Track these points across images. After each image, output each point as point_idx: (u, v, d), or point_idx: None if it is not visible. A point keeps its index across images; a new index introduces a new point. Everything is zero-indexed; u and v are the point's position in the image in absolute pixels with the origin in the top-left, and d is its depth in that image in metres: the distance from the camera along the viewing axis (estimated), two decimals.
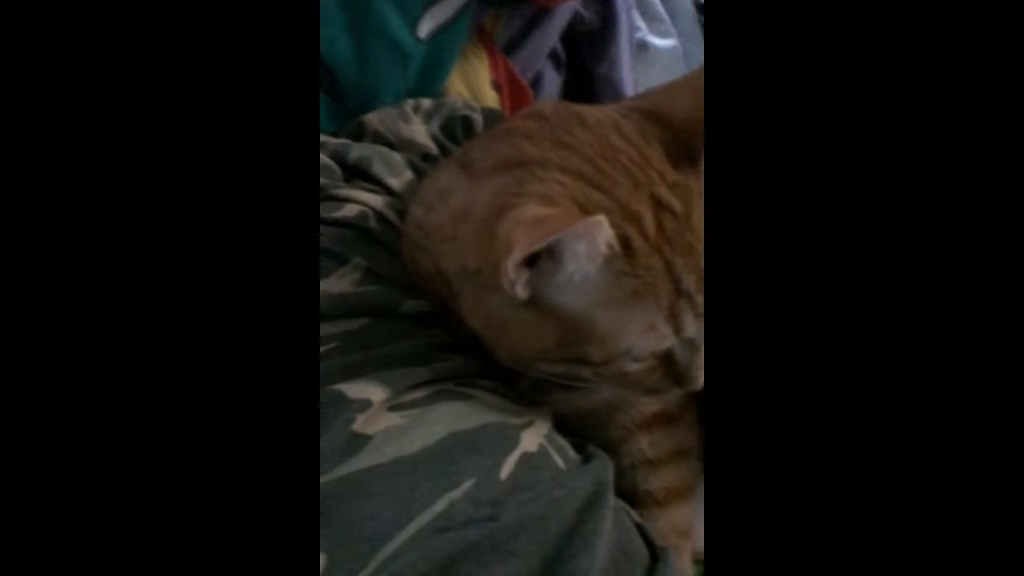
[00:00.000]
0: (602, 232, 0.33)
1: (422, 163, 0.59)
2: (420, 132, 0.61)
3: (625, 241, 0.35)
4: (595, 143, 0.38)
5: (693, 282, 0.36)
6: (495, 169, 0.40)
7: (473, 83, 0.71)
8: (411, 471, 0.34)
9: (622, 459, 0.45)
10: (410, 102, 0.64)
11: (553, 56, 0.82)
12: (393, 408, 0.38)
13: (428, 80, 0.68)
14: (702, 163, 0.38)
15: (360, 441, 0.35)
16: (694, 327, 0.37)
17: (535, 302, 0.36)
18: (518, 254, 0.32)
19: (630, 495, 0.45)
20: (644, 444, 0.46)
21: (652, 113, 0.39)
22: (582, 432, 0.44)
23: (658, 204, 0.36)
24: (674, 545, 0.43)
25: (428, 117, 0.66)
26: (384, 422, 0.37)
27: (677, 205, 0.37)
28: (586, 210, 0.35)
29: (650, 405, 0.46)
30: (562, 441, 0.41)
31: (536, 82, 0.81)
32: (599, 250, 0.34)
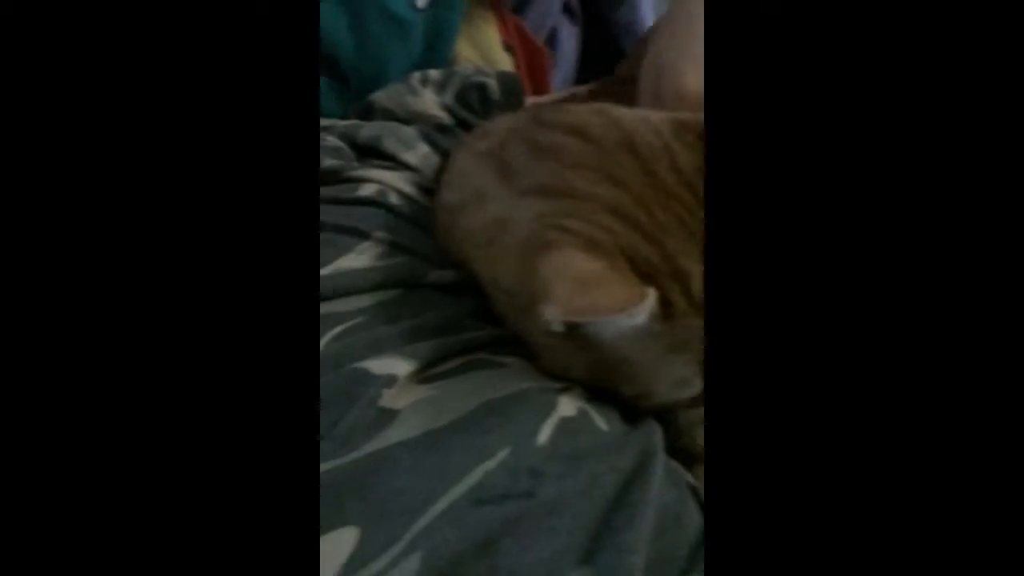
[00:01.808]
0: (649, 308, 0.32)
1: (436, 134, 0.57)
2: (431, 103, 0.59)
3: (667, 303, 0.34)
4: (647, 182, 0.36)
5: None
6: (537, 192, 0.38)
7: (483, 47, 0.68)
8: (443, 443, 0.32)
9: (678, 419, 0.42)
10: (417, 75, 0.61)
11: (567, 9, 0.79)
12: (423, 381, 0.36)
13: (433, 50, 0.65)
14: None
15: (388, 416, 0.33)
16: None
17: (568, 334, 0.34)
18: (557, 315, 0.32)
19: (686, 451, 0.42)
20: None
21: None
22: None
23: None
24: None
25: (439, 88, 0.63)
26: (413, 395, 0.35)
27: None
28: (634, 264, 0.34)
29: None
30: (605, 403, 0.38)
31: (551, 39, 0.77)
32: (641, 319, 0.33)
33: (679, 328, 0.34)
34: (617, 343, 0.35)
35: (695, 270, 0.34)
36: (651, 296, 0.32)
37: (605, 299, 0.31)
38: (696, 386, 0.36)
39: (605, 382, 0.37)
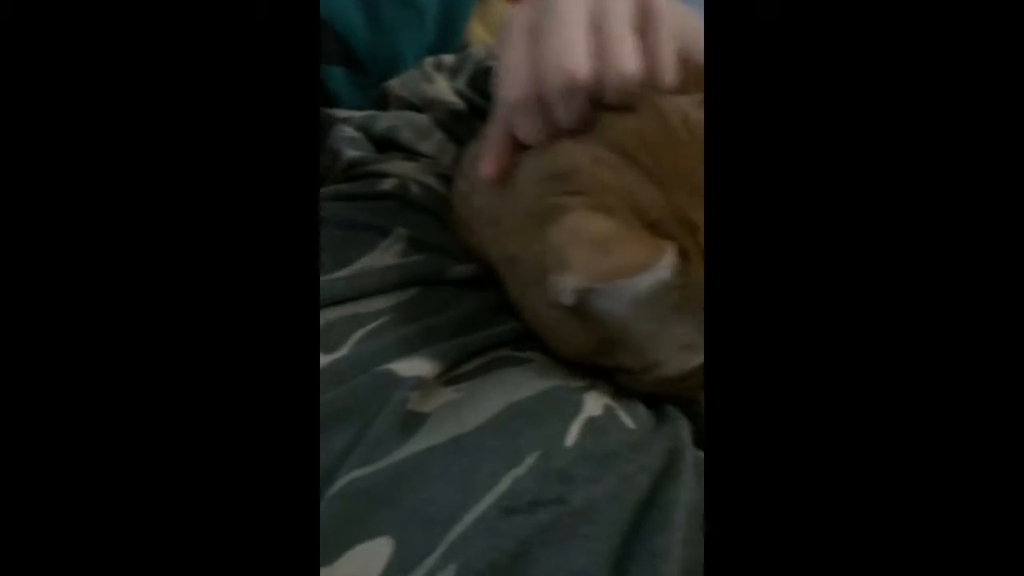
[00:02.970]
0: (672, 261, 0.31)
1: (452, 121, 0.56)
2: (444, 90, 0.58)
3: (683, 253, 0.32)
4: (658, 127, 0.35)
5: None
6: (542, 146, 0.37)
7: (496, 28, 0.67)
8: (471, 450, 0.32)
9: (701, 407, 0.42)
10: (430, 60, 0.61)
11: None
12: (448, 382, 0.36)
13: (447, 34, 0.64)
14: None
15: (417, 420, 0.34)
16: None
17: (575, 307, 0.34)
18: (578, 282, 0.31)
19: None
20: None
21: None
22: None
23: None
24: None
25: (453, 73, 0.63)
26: (439, 398, 0.35)
27: None
28: (641, 215, 0.32)
29: None
30: (631, 399, 0.38)
31: None
32: (665, 274, 0.31)
33: (690, 284, 0.33)
34: (627, 310, 0.34)
35: (702, 225, 0.33)
36: (670, 249, 0.31)
37: (627, 258, 0.30)
38: (702, 354, 0.35)
39: (610, 357, 0.36)
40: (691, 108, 0.35)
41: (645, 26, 0.36)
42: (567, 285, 0.31)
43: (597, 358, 0.37)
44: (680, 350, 0.35)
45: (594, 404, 0.36)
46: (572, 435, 0.33)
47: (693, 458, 0.35)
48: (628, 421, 0.36)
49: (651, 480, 0.32)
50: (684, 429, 0.37)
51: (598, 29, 0.35)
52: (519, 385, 0.36)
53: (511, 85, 0.36)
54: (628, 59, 0.34)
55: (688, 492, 0.33)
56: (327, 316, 0.39)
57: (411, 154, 0.54)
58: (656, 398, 0.40)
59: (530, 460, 0.32)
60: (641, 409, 0.38)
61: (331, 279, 0.41)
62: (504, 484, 0.31)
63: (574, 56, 0.34)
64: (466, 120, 0.56)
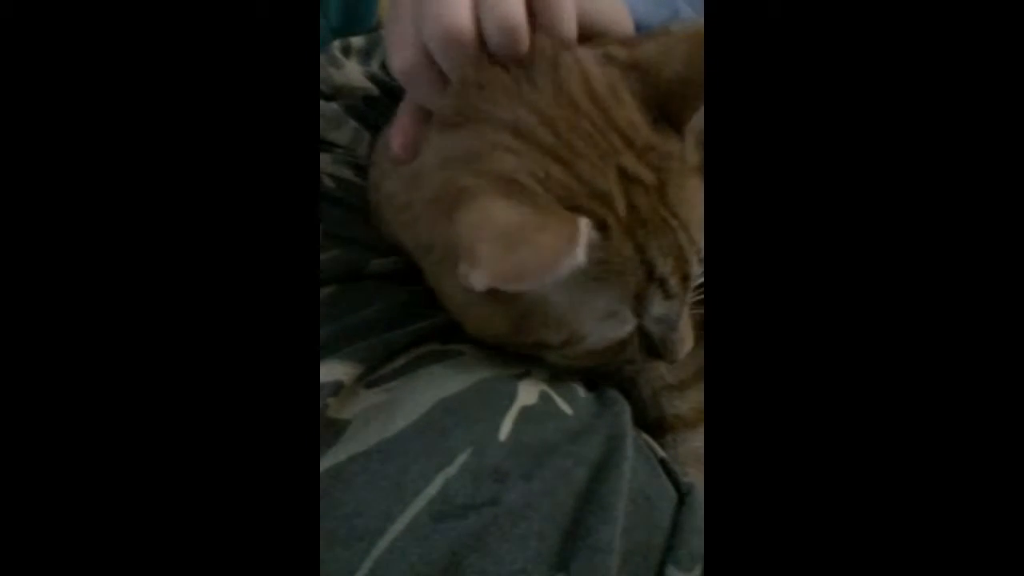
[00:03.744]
0: (585, 242, 0.28)
1: (364, 108, 0.53)
2: (355, 74, 0.55)
3: (601, 225, 0.30)
4: (557, 99, 0.32)
5: (669, 265, 0.31)
6: (440, 126, 0.34)
7: None
8: (398, 453, 0.30)
9: (642, 390, 0.41)
10: (337, 44, 0.58)
11: None
12: (370, 384, 0.34)
13: (355, 17, 0.61)
14: (685, 130, 0.33)
15: (337, 428, 0.31)
16: (663, 307, 0.33)
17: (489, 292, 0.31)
18: (486, 279, 0.28)
19: (659, 422, 0.40)
20: (663, 370, 0.41)
21: (637, 64, 0.33)
22: (593, 374, 0.40)
23: (626, 177, 0.31)
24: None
25: (364, 56, 0.60)
26: (361, 402, 0.32)
27: (648, 176, 0.31)
28: (551, 193, 0.30)
29: None
30: (568, 383, 0.36)
31: None
32: (580, 259, 0.29)
33: (611, 255, 0.31)
34: (544, 288, 0.32)
35: (615, 189, 0.31)
36: (583, 227, 0.29)
37: (534, 256, 0.28)
38: (628, 321, 0.33)
39: (530, 333, 0.34)
40: (593, 64, 0.33)
41: None
42: (476, 281, 0.29)
43: (517, 337, 0.35)
44: (602, 320, 0.33)
45: (528, 392, 0.34)
46: (506, 428, 0.31)
47: (634, 442, 0.34)
48: (565, 407, 0.34)
49: (590, 473, 0.31)
50: (625, 413, 0.35)
51: None
52: (448, 380, 0.34)
53: (399, 54, 0.34)
54: (510, 5, 0.32)
55: (629, 479, 0.31)
56: None
57: (323, 145, 0.51)
58: (594, 380, 0.39)
59: (462, 458, 0.30)
60: (579, 392, 0.36)
61: None
62: (434, 487, 0.29)
63: (454, 10, 0.32)
64: (381, 105, 0.54)
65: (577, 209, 0.30)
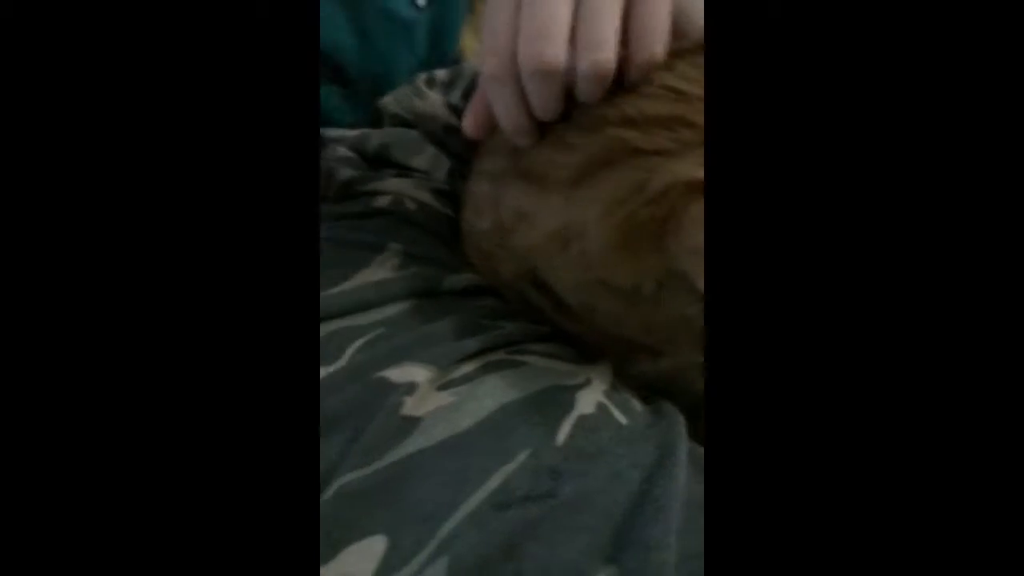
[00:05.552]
0: None
1: (443, 134, 0.57)
2: (437, 105, 0.59)
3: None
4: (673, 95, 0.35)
5: None
6: (584, 174, 0.37)
7: None
8: (463, 449, 0.33)
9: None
10: (423, 76, 0.62)
11: None
12: (442, 387, 0.37)
13: (438, 48, 0.65)
14: None
15: (411, 424, 0.34)
16: None
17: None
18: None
19: None
20: None
21: None
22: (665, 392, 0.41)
23: None
24: None
25: (445, 88, 0.64)
26: (433, 402, 0.36)
27: None
28: None
29: None
30: (626, 395, 0.39)
31: None
32: None
33: None
34: None
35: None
36: None
37: None
38: None
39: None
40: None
41: None
42: None
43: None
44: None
45: (587, 402, 0.36)
46: (563, 433, 0.34)
47: (688, 454, 0.35)
48: (621, 417, 0.36)
49: (642, 475, 0.33)
50: (679, 425, 0.37)
51: (581, 3, 0.34)
52: (512, 387, 0.37)
53: (491, 59, 0.36)
54: (606, 51, 0.34)
55: (684, 486, 0.33)
56: (326, 329, 0.40)
57: (404, 170, 0.55)
58: (652, 393, 0.41)
59: (521, 457, 0.32)
60: (636, 404, 0.38)
61: (329, 295, 0.42)
62: (495, 481, 0.31)
63: (554, 47, 0.34)
64: (459, 133, 0.57)
65: None
